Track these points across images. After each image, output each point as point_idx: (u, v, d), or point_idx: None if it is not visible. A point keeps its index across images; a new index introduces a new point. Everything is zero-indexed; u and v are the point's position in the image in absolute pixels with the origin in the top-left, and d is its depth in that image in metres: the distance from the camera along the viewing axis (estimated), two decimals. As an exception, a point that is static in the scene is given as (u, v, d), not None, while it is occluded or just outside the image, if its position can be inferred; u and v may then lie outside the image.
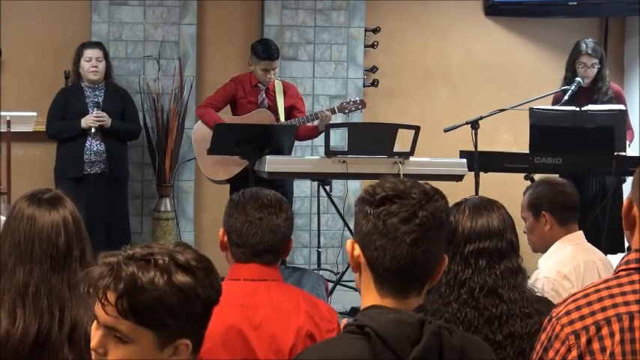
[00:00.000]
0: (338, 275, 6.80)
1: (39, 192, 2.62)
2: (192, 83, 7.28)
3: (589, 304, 1.76)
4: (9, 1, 6.96)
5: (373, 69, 7.69)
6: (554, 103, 6.57)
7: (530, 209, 3.83)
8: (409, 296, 1.90)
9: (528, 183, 5.54)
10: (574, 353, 1.74)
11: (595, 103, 6.39)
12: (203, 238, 7.26)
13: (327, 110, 6.40)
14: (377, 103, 7.58)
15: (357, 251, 1.92)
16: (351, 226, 1.89)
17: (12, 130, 6.23)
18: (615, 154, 5.93)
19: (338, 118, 6.79)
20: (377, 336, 1.79)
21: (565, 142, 5.95)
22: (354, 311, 5.59)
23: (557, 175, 5.28)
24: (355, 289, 5.66)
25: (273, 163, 5.90)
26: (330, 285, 6.02)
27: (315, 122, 6.41)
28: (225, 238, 2.79)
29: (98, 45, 6.67)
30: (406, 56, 7.85)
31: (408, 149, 5.96)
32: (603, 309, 1.75)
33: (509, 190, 5.71)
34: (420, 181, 1.95)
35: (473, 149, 6.02)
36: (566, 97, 6.39)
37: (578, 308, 1.77)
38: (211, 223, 7.12)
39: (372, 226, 1.88)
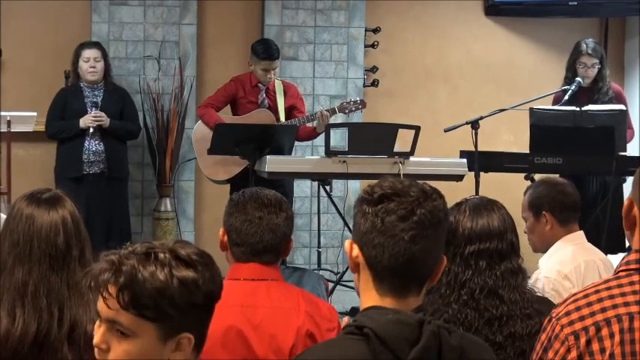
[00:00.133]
0: (338, 275, 6.80)
1: (38, 192, 2.62)
2: (192, 83, 7.28)
3: (589, 304, 1.76)
4: (9, 1, 6.96)
5: (373, 69, 7.69)
6: (554, 103, 6.57)
7: (531, 209, 3.83)
8: (408, 296, 1.90)
9: (529, 183, 5.54)
10: (573, 354, 1.74)
11: (595, 103, 6.38)
12: (203, 238, 7.25)
13: (327, 110, 6.40)
14: (377, 103, 7.58)
15: (356, 251, 1.92)
16: (352, 227, 1.89)
17: (12, 130, 6.23)
18: (615, 154, 5.92)
19: (338, 118, 6.79)
20: (376, 336, 1.79)
21: (565, 142, 5.95)
22: (354, 311, 5.59)
23: (558, 175, 5.27)
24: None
25: (273, 163, 5.89)
26: (331, 285, 6.02)
27: (314, 123, 6.41)
28: (225, 238, 2.79)
29: (96, 45, 6.66)
30: (406, 56, 7.85)
31: (408, 149, 5.96)
32: (603, 310, 1.74)
33: (509, 190, 5.71)
34: (419, 181, 1.96)
35: (473, 149, 6.02)
36: (566, 97, 6.39)
37: (578, 309, 1.76)
38: (211, 223, 7.12)
39: (370, 225, 1.88)
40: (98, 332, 1.82)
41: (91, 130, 6.40)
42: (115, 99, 6.62)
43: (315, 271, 6.29)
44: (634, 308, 1.73)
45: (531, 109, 6.23)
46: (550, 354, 1.77)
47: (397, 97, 7.80)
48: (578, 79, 6.46)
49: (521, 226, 3.44)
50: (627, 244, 1.84)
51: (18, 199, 2.62)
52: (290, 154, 6.35)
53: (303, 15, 7.50)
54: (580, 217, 3.88)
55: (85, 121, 6.41)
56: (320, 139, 6.56)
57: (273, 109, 6.48)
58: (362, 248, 1.91)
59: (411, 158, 5.95)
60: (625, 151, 6.17)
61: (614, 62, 7.77)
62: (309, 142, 7.01)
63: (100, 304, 1.80)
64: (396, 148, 6.00)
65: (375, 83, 7.66)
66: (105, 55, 6.63)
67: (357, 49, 7.59)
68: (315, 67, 7.54)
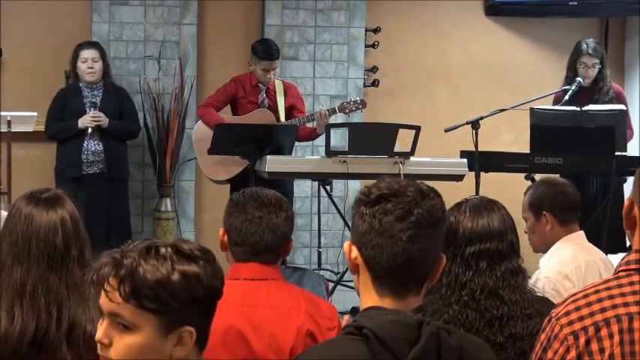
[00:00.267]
0: (338, 275, 6.80)
1: (38, 191, 2.62)
2: (192, 83, 7.28)
3: (588, 304, 1.76)
4: (9, 1, 6.96)
5: (373, 69, 7.69)
6: (554, 103, 6.57)
7: (531, 209, 3.83)
8: (407, 296, 1.90)
9: (529, 183, 5.54)
10: (572, 354, 1.74)
11: (596, 103, 6.38)
12: (203, 238, 7.25)
13: (327, 110, 6.39)
14: (377, 103, 7.58)
15: (355, 253, 1.92)
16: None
17: (12, 130, 6.23)
18: (616, 154, 5.92)
19: (338, 118, 6.79)
20: (375, 337, 1.79)
21: (566, 142, 5.95)
22: (354, 311, 5.58)
23: (558, 175, 5.27)
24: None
25: (273, 163, 5.89)
26: (331, 285, 6.02)
27: (314, 124, 6.40)
28: (225, 238, 2.79)
29: (94, 45, 6.65)
30: (406, 56, 7.85)
31: (408, 149, 5.96)
32: (602, 310, 1.74)
33: (509, 190, 5.71)
34: (417, 181, 1.96)
35: (473, 149, 6.02)
36: (566, 97, 6.39)
37: (578, 309, 1.76)
38: (212, 223, 7.12)
39: (368, 226, 1.88)
40: (100, 327, 1.82)
41: (90, 130, 6.40)
42: (113, 99, 6.62)
43: (316, 271, 6.29)
44: (633, 308, 1.73)
45: (531, 109, 6.23)
46: (549, 354, 1.76)
47: (397, 97, 7.80)
48: (578, 79, 6.46)
49: (521, 227, 3.44)
50: (628, 243, 1.84)
51: (18, 198, 2.63)
52: (290, 154, 6.35)
53: (304, 15, 7.50)
54: (580, 217, 3.88)
55: (83, 122, 6.41)
56: (320, 139, 6.56)
57: (273, 109, 6.48)
58: (360, 249, 1.91)
59: (412, 158, 5.95)
60: (625, 151, 6.17)
61: (614, 62, 7.77)
62: (310, 142, 7.01)
63: (102, 299, 1.80)
64: (397, 148, 6.00)
65: (375, 83, 7.66)
66: (103, 55, 6.62)
67: (358, 49, 7.59)
68: (316, 67, 7.54)
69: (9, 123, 6.21)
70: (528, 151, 6.08)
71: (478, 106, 7.19)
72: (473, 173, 6.00)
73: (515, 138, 7.63)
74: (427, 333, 1.80)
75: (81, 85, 6.58)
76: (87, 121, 6.41)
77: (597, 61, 6.49)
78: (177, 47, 7.30)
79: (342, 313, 2.82)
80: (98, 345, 1.83)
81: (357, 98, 6.72)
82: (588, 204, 5.70)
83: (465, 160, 6.05)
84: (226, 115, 6.53)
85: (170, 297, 1.77)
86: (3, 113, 6.25)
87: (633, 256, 1.80)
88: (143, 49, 7.27)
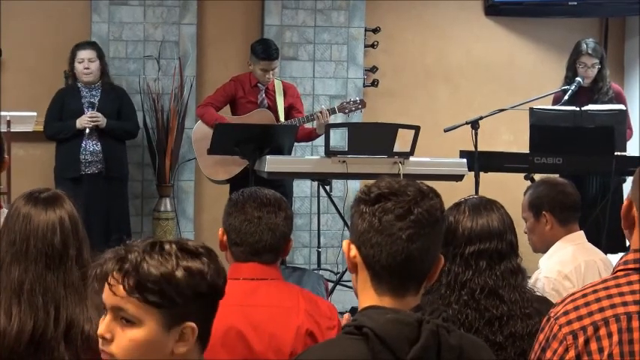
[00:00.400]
0: (338, 275, 6.80)
1: (37, 191, 2.63)
2: (192, 83, 7.28)
3: (587, 304, 1.76)
4: (9, 1, 6.96)
5: (373, 69, 7.69)
6: (554, 103, 6.57)
7: (531, 209, 3.83)
8: (406, 295, 1.90)
9: (528, 183, 5.54)
10: (571, 353, 1.74)
11: (595, 103, 6.38)
12: (203, 238, 7.25)
13: (327, 110, 6.39)
14: (377, 103, 7.58)
15: (354, 251, 1.92)
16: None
17: (12, 130, 6.23)
18: (615, 154, 5.92)
19: (338, 118, 6.79)
20: (375, 336, 1.80)
21: (565, 142, 5.95)
22: (354, 311, 5.58)
23: (558, 175, 5.27)
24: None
25: (273, 163, 5.89)
26: (330, 285, 6.02)
27: (314, 124, 6.40)
28: (225, 238, 2.79)
29: (91, 45, 6.64)
30: (406, 56, 7.85)
31: (408, 149, 5.96)
32: (601, 309, 1.74)
33: (509, 190, 5.71)
34: (417, 181, 1.96)
35: (473, 149, 6.02)
36: (566, 97, 6.39)
37: (576, 308, 1.76)
38: (211, 223, 7.12)
39: (367, 224, 1.89)
40: (103, 322, 1.82)
41: (87, 130, 6.40)
42: (112, 98, 6.61)
43: (315, 271, 6.29)
44: (632, 308, 1.73)
45: (531, 109, 6.23)
46: (548, 354, 1.76)
47: (397, 97, 7.80)
48: (578, 79, 6.46)
49: (521, 226, 3.44)
50: (627, 243, 1.84)
51: (17, 198, 2.63)
52: (290, 154, 6.35)
53: (303, 15, 7.50)
54: (580, 217, 3.88)
55: (81, 122, 6.41)
56: (320, 139, 6.56)
57: (273, 109, 6.48)
58: (359, 248, 1.91)
59: (411, 158, 5.95)
60: (625, 151, 6.17)
61: (614, 62, 7.77)
62: (309, 142, 7.01)
63: (106, 293, 1.81)
64: (396, 148, 6.00)
65: (375, 83, 7.66)
66: (100, 55, 6.61)
67: (357, 49, 7.59)
68: (315, 67, 7.54)
69: (9, 123, 6.21)
70: (528, 151, 6.08)
71: (478, 106, 7.19)
72: (472, 173, 6.01)
73: (514, 138, 7.63)
74: (427, 331, 1.80)
75: (79, 85, 6.58)
76: (85, 121, 6.41)
77: (597, 61, 6.49)
78: (177, 47, 7.30)
79: (342, 313, 2.82)
80: (100, 340, 1.83)
81: (357, 98, 6.72)
82: (588, 204, 5.70)
83: (465, 160, 6.05)
84: (226, 116, 6.53)
85: (174, 292, 1.78)
86: (3, 113, 6.25)
87: (631, 256, 1.80)
88: (143, 49, 7.27)
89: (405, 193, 1.89)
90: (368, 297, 1.91)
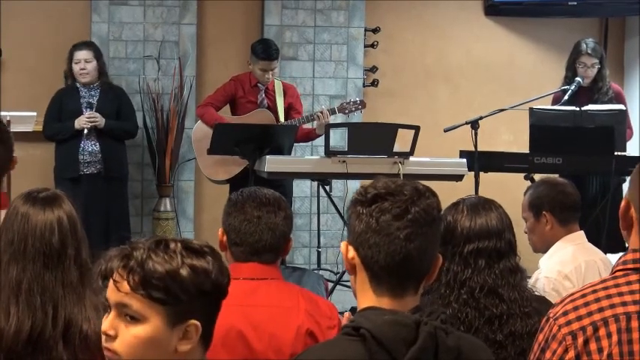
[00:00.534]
0: (338, 275, 6.80)
1: (36, 191, 2.63)
2: (192, 83, 7.28)
3: (586, 304, 1.76)
4: (9, 1, 6.96)
5: (373, 69, 7.69)
6: (554, 103, 6.57)
7: (531, 209, 3.83)
8: (405, 295, 1.90)
9: (528, 183, 5.54)
10: (571, 354, 1.74)
11: (595, 103, 6.38)
12: (203, 238, 7.14)
13: (327, 110, 6.39)
14: (377, 103, 7.58)
15: (352, 253, 1.92)
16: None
17: (12, 130, 6.22)
18: (615, 154, 5.92)
19: (338, 118, 6.79)
20: (372, 337, 1.80)
21: (565, 142, 5.95)
22: (354, 311, 5.58)
23: (558, 175, 5.27)
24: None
25: (273, 163, 5.89)
26: (330, 285, 6.02)
27: (314, 124, 6.40)
28: (225, 238, 2.79)
29: (88, 46, 6.62)
30: (406, 56, 7.85)
31: (408, 149, 5.96)
32: (600, 309, 1.74)
33: (509, 190, 5.72)
34: (413, 181, 1.96)
35: (473, 149, 6.02)
36: (566, 97, 6.39)
37: (576, 309, 1.76)
38: (211, 223, 7.12)
39: (365, 225, 1.89)
40: (106, 319, 1.83)
41: (86, 131, 6.39)
42: (110, 98, 6.60)
43: (315, 271, 6.29)
44: (631, 308, 1.73)
45: (531, 109, 6.23)
46: (547, 354, 1.76)
47: (397, 97, 7.80)
48: (577, 79, 6.46)
49: (520, 226, 3.44)
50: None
51: (15, 198, 2.64)
52: (290, 154, 6.35)
53: (303, 15, 7.50)
54: (580, 217, 3.88)
55: (79, 123, 6.40)
56: (320, 139, 6.56)
57: (273, 109, 6.48)
58: (357, 249, 1.91)
59: (411, 158, 5.95)
60: (625, 150, 6.17)
61: (614, 62, 7.77)
62: (309, 142, 7.01)
63: (110, 290, 1.81)
64: (396, 148, 6.00)
65: (374, 83, 7.66)
66: (98, 55, 6.59)
67: (357, 49, 7.59)
68: (315, 67, 7.54)
69: (8, 123, 6.18)
70: (528, 151, 6.08)
71: (478, 106, 7.18)
72: (472, 173, 6.00)
73: (514, 138, 7.63)
74: (424, 333, 1.80)
75: (78, 85, 6.57)
76: (83, 122, 6.40)
77: (596, 60, 6.49)
78: (177, 47, 7.30)
79: (342, 313, 2.82)
80: (103, 337, 1.83)
81: (357, 99, 6.73)
82: (588, 204, 5.70)
83: (465, 160, 6.05)
84: (226, 115, 6.53)
85: (179, 289, 1.78)
86: (3, 113, 6.23)
87: (630, 256, 1.80)
88: (142, 49, 7.27)
89: (402, 192, 1.89)
90: (367, 298, 1.91)
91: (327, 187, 6.55)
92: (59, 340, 2.47)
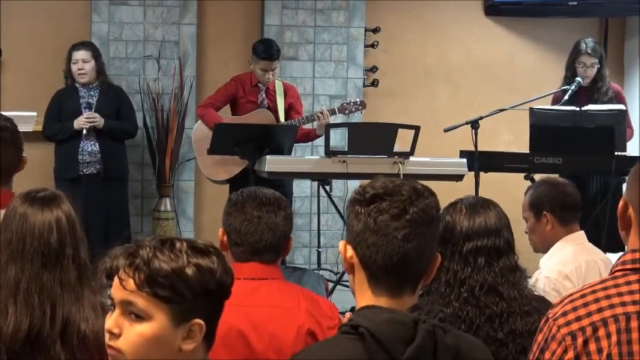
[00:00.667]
0: (338, 275, 6.80)
1: (35, 191, 2.63)
2: (192, 83, 7.28)
3: (585, 304, 1.75)
4: (9, 1, 6.96)
5: (373, 69, 7.69)
6: (554, 102, 6.57)
7: (532, 209, 3.83)
8: (403, 295, 1.90)
9: (529, 183, 5.54)
10: (570, 354, 1.73)
11: (595, 103, 6.38)
12: (203, 238, 7.07)
13: (327, 110, 6.39)
14: (377, 103, 7.58)
15: (350, 252, 1.93)
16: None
17: (12, 130, 6.22)
18: (615, 154, 5.92)
19: (338, 118, 6.79)
20: (371, 336, 1.80)
21: (565, 142, 5.95)
22: (354, 311, 5.58)
23: (558, 175, 5.27)
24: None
25: (273, 163, 5.89)
26: (330, 285, 6.02)
27: (314, 124, 6.40)
28: (225, 238, 2.79)
29: (86, 46, 6.61)
30: (406, 56, 7.85)
31: (408, 149, 5.96)
32: (600, 310, 1.74)
33: (509, 190, 5.72)
34: (412, 180, 1.97)
35: (473, 149, 6.02)
36: (566, 97, 6.39)
37: (575, 309, 1.76)
38: (211, 223, 7.12)
39: (363, 225, 1.89)
40: (110, 317, 1.83)
41: (85, 131, 6.39)
42: (109, 98, 6.59)
43: (315, 271, 6.29)
44: (631, 308, 1.73)
45: (531, 109, 6.23)
46: (547, 354, 1.76)
47: (397, 97, 7.80)
48: (577, 78, 6.46)
49: (521, 226, 3.44)
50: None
51: (14, 198, 2.63)
52: (290, 154, 6.35)
53: (303, 15, 7.50)
54: (580, 216, 3.88)
55: (78, 123, 6.40)
56: (320, 139, 6.56)
57: (273, 109, 6.48)
58: (356, 249, 1.91)
59: (411, 158, 5.95)
60: (625, 150, 6.17)
61: (614, 62, 7.77)
62: (309, 142, 7.01)
63: (115, 288, 1.82)
64: (396, 148, 6.00)
65: (374, 83, 7.66)
66: (96, 55, 6.58)
67: (357, 49, 7.59)
68: (315, 67, 7.54)
69: (10, 123, 6.20)
70: (528, 151, 6.08)
71: (478, 106, 7.19)
72: (472, 173, 6.00)
73: (514, 138, 7.63)
74: (423, 331, 1.81)
75: (77, 85, 6.57)
76: (82, 122, 6.40)
77: (596, 60, 6.48)
78: (177, 47, 7.31)
79: (342, 313, 2.82)
80: (107, 335, 1.83)
81: (357, 99, 6.73)
82: (588, 204, 5.70)
83: (465, 160, 6.05)
84: (226, 115, 6.53)
85: (184, 287, 1.78)
86: (3, 113, 6.23)
87: (629, 256, 1.80)
88: (142, 49, 7.27)
89: (400, 192, 1.90)
90: (365, 297, 1.91)
91: (327, 187, 6.55)
92: (57, 339, 2.47)
